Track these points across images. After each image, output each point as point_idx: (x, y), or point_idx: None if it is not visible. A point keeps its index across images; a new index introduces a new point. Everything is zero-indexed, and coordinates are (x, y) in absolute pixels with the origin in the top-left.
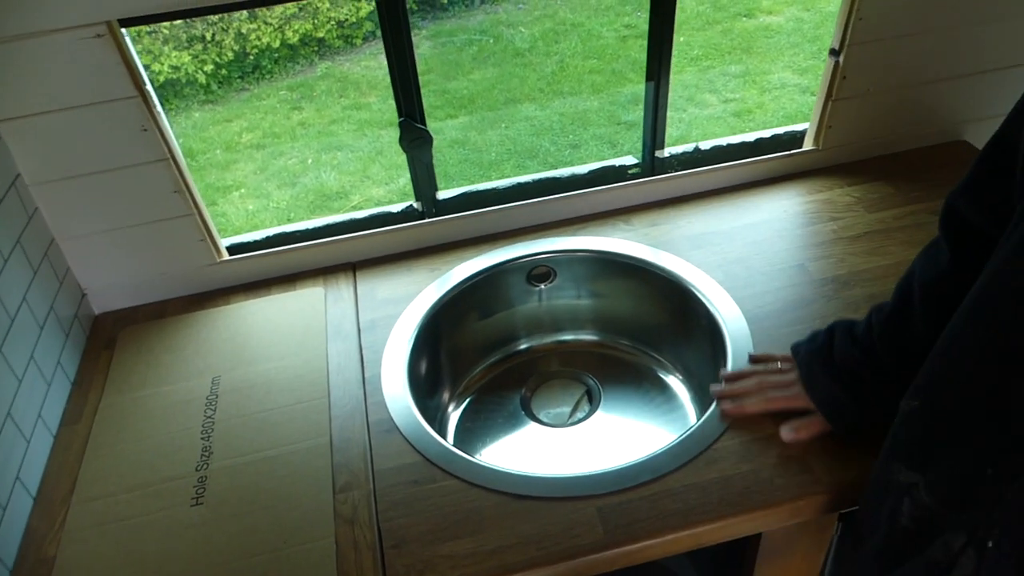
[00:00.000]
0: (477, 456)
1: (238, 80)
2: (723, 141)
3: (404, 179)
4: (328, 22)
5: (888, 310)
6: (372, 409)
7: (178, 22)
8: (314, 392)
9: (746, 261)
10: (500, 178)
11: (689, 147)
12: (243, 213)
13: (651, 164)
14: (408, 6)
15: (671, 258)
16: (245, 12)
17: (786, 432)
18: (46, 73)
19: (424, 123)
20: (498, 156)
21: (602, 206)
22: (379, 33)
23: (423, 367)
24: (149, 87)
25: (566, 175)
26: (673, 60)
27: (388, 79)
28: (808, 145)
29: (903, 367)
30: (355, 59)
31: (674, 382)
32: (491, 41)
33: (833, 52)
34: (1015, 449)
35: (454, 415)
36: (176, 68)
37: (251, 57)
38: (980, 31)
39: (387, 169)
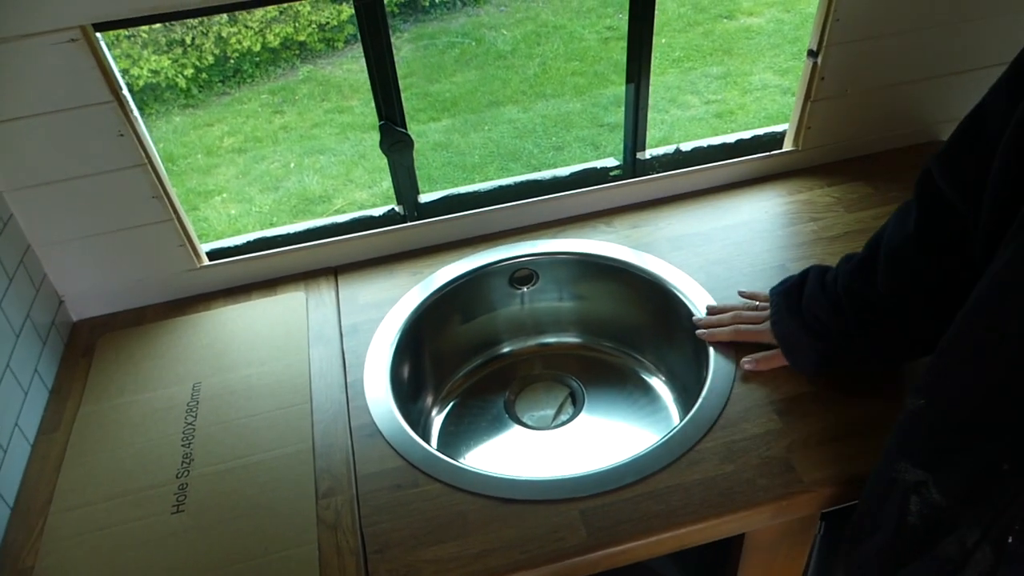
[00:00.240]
0: (461, 460)
1: (219, 84)
2: (704, 142)
3: (387, 182)
4: (309, 25)
5: (855, 261)
6: (355, 414)
7: (157, 26)
8: (296, 397)
9: (727, 262)
10: (484, 181)
11: (670, 149)
12: (225, 218)
13: (632, 166)
14: (389, 9)
15: (653, 260)
16: (225, 16)
17: (747, 362)
18: (20, 78)
19: (405, 126)
20: (481, 159)
21: (584, 208)
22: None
23: (406, 371)
24: (125, 92)
25: (547, 177)
26: (654, 62)
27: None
28: (788, 146)
29: (865, 324)
30: (337, 62)
31: (657, 383)
32: (473, 43)
33: (811, 53)
34: None
35: (438, 419)
36: (156, 72)
37: (232, 61)
38: (955, 32)
39: (370, 172)
